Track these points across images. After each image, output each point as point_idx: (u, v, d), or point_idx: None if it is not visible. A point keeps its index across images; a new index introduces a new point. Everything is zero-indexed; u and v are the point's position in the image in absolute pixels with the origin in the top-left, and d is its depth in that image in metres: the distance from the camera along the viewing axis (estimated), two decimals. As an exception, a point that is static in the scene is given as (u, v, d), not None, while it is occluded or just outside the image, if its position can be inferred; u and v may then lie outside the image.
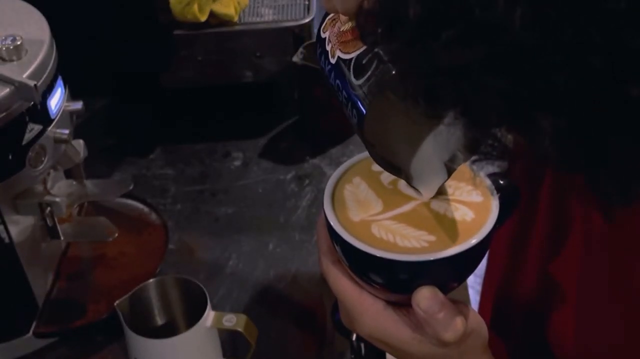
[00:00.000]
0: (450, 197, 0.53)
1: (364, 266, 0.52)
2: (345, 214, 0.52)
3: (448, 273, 0.52)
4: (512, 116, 0.34)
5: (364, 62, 0.46)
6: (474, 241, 0.50)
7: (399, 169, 0.51)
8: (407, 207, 0.53)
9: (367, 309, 0.52)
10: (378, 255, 0.49)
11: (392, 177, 0.54)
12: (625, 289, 0.55)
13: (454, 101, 0.35)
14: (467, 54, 0.32)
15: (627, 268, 0.54)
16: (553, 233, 0.63)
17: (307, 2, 1.14)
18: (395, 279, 0.51)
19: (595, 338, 0.59)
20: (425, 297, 0.49)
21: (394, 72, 0.43)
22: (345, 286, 0.53)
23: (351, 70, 0.47)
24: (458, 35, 0.32)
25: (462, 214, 0.52)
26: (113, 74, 1.22)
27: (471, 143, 0.48)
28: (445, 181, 0.52)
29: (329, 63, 0.50)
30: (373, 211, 0.52)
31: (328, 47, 0.50)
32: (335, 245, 0.53)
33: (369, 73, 0.45)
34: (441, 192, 0.53)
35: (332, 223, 0.52)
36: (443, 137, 0.49)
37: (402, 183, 0.54)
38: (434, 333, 0.49)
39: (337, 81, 0.49)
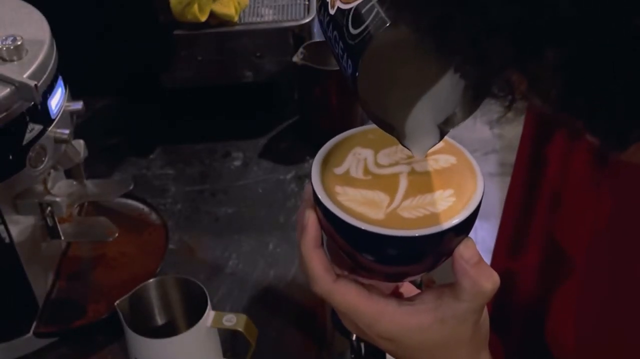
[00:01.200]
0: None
1: (422, 252, 0.51)
2: (367, 218, 0.51)
3: (478, 212, 0.53)
4: (519, 50, 0.33)
5: (363, 11, 0.45)
6: (480, 175, 0.52)
7: (391, 127, 0.51)
8: (404, 182, 0.53)
9: (381, 313, 0.52)
10: (448, 227, 0.49)
11: (360, 167, 0.54)
12: (628, 281, 0.55)
13: (464, 35, 0.34)
14: None
15: (630, 260, 0.54)
16: (558, 201, 0.63)
17: (307, 2, 1.14)
18: (448, 245, 0.51)
19: (596, 335, 0.59)
20: (467, 246, 0.50)
21: (389, 24, 0.43)
22: (355, 298, 0.52)
23: (349, 19, 0.46)
24: None
25: (445, 160, 0.53)
26: (113, 74, 1.22)
27: (475, 86, 0.48)
28: (437, 143, 0.52)
29: (328, 14, 0.49)
30: (384, 202, 0.52)
31: None
32: (365, 252, 0.52)
33: (366, 23, 0.45)
34: (405, 157, 0.54)
35: (375, 231, 0.49)
36: (438, 97, 0.49)
37: (371, 164, 0.54)
38: (472, 285, 0.50)
39: (335, 32, 0.48)
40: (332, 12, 0.49)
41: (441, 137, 0.51)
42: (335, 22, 0.48)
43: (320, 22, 0.52)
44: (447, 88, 0.48)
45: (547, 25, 0.31)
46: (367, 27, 0.45)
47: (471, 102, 0.48)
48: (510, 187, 0.73)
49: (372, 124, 0.51)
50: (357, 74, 0.45)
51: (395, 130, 0.51)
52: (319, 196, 0.52)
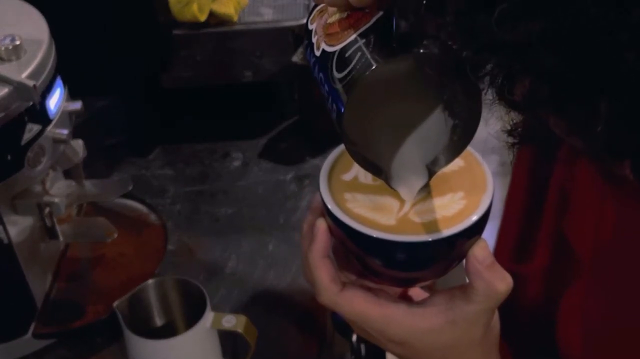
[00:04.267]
0: None
1: (436, 256, 0.51)
2: (379, 224, 0.50)
3: (489, 212, 0.52)
4: (560, 98, 0.31)
5: (346, 55, 0.44)
6: (490, 175, 0.52)
7: (379, 169, 0.50)
8: None
9: (391, 317, 0.52)
10: (461, 230, 0.49)
11: (369, 173, 0.53)
12: (634, 284, 0.54)
13: (498, 80, 0.32)
14: (522, 29, 0.29)
15: (635, 266, 0.54)
16: (566, 201, 0.63)
17: (307, 2, 1.13)
18: (461, 248, 0.51)
19: (603, 338, 0.58)
20: (480, 247, 0.50)
21: (374, 67, 0.42)
22: (362, 305, 0.52)
23: (334, 62, 0.45)
24: (514, 7, 0.29)
25: (454, 163, 0.52)
26: (113, 74, 1.22)
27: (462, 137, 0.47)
28: (426, 184, 0.51)
29: (314, 55, 0.49)
30: (395, 207, 0.51)
31: (314, 39, 0.49)
32: (378, 258, 0.52)
33: (351, 66, 0.44)
34: None
35: (388, 238, 0.49)
36: (426, 136, 0.48)
37: None
38: (486, 287, 0.50)
39: (320, 74, 0.47)
40: (317, 53, 0.48)
41: (430, 178, 0.51)
42: (320, 64, 0.47)
43: (308, 61, 0.51)
44: (435, 126, 0.47)
45: (598, 75, 0.29)
46: (351, 71, 0.43)
47: (459, 141, 0.48)
48: (510, 190, 0.73)
49: None
50: (342, 119, 0.44)
51: (382, 172, 0.50)
52: (329, 205, 0.52)
